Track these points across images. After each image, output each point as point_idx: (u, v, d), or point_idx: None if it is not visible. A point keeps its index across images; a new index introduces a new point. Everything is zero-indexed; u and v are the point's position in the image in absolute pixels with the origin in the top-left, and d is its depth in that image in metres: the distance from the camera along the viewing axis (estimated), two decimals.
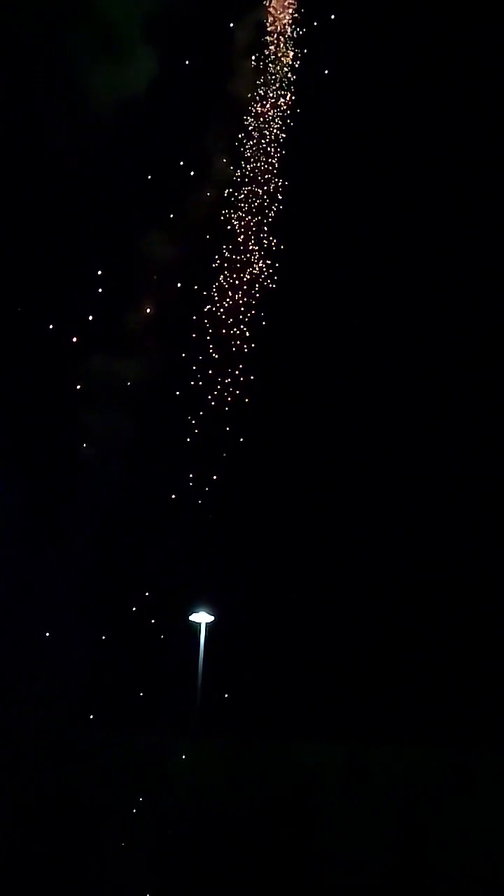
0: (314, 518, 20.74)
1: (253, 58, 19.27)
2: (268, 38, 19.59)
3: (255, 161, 17.92)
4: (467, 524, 20.22)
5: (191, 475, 17.99)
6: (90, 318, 15.92)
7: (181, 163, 17.30)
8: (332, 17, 18.29)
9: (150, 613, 18.58)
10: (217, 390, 16.70)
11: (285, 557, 20.53)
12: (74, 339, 15.75)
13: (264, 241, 17.47)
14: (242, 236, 17.24)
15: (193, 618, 19.31)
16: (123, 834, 16.12)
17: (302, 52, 19.55)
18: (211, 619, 19.38)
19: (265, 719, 18.98)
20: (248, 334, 17.02)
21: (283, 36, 19.72)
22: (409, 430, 20.66)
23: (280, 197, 17.77)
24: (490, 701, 19.07)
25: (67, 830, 15.73)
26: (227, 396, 16.71)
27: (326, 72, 19.07)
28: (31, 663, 16.43)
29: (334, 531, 20.63)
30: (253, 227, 17.40)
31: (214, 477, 18.27)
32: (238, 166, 17.70)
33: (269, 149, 17.88)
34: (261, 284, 17.35)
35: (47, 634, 17.05)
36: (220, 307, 16.82)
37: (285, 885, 16.75)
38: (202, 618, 19.33)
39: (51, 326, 16.03)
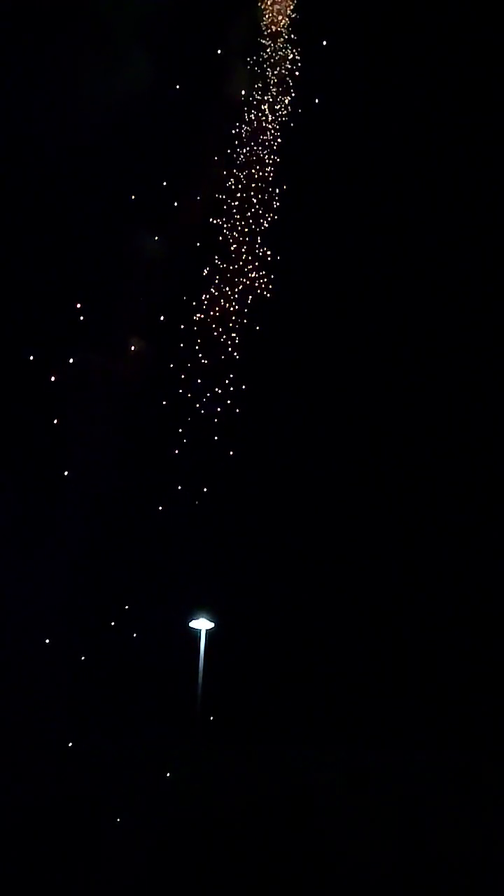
0: (312, 524, 20.72)
1: (249, 60, 18.95)
2: (265, 40, 19.28)
3: (250, 168, 17.61)
4: (466, 528, 20.16)
5: (190, 478, 17.95)
6: (76, 323, 15.72)
7: (173, 168, 17.06)
8: (331, 24, 17.95)
9: (150, 619, 18.65)
10: (207, 398, 16.51)
11: (284, 563, 20.54)
12: (59, 346, 15.53)
13: (258, 251, 17.18)
14: (235, 245, 16.95)
15: (193, 624, 19.39)
16: (124, 839, 16.26)
17: (300, 56, 19.22)
18: (211, 625, 19.44)
19: (266, 725, 19.06)
20: (239, 344, 16.80)
21: (281, 38, 19.40)
22: (405, 440, 20.57)
23: (275, 206, 17.45)
24: (490, 704, 19.07)
25: (67, 836, 15.86)
26: (218, 407, 16.54)
27: (326, 76, 18.75)
28: (29, 671, 16.48)
29: (332, 536, 20.61)
30: (247, 236, 17.10)
31: (214, 481, 18.25)
32: (232, 174, 17.36)
33: (264, 156, 17.55)
34: (254, 294, 17.08)
35: (47, 641, 17.06)
36: (211, 316, 16.59)
37: (286, 888, 16.84)
38: (202, 624, 19.40)
39: (33, 333, 15.83)
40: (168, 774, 16.63)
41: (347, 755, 19.02)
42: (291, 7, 19.69)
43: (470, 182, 20.12)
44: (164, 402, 16.31)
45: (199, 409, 16.38)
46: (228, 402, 16.37)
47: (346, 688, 20.02)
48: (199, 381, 16.29)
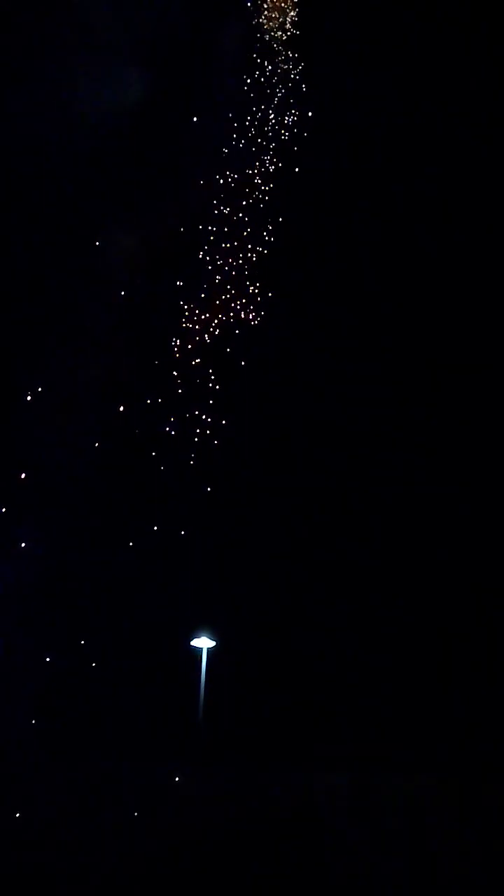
0: (313, 543, 20.63)
1: (245, 77, 18.73)
2: (261, 57, 19.09)
3: (242, 192, 17.27)
4: (466, 550, 19.86)
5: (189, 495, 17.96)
6: (52, 350, 15.61)
7: (160, 189, 16.83)
8: (330, 42, 17.64)
9: (151, 639, 18.79)
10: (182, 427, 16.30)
11: (287, 580, 20.49)
12: (34, 373, 15.39)
13: (246, 284, 16.79)
14: (219, 276, 16.62)
15: (195, 643, 19.44)
16: (122, 859, 16.42)
17: (299, 74, 18.95)
18: (212, 644, 19.46)
19: (268, 746, 19.04)
20: (218, 374, 16.54)
21: (280, 56, 19.19)
22: (389, 465, 20.23)
23: (267, 239, 17.02)
24: (493, 725, 18.83)
25: (67, 857, 16.08)
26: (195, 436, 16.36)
27: (325, 96, 18.44)
28: (29, 691, 16.69)
29: (333, 556, 20.48)
30: (233, 268, 16.74)
31: (214, 496, 18.27)
32: (221, 198, 17.01)
33: (257, 181, 17.21)
34: (238, 323, 16.74)
35: (48, 660, 17.27)
36: (190, 344, 16.31)
37: None
38: (203, 643, 19.44)
39: (6, 356, 15.71)
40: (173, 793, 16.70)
41: (350, 775, 18.93)
42: (289, 24, 19.47)
43: (471, 214, 19.44)
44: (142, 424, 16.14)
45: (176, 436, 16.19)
46: (207, 431, 16.21)
47: (350, 707, 19.93)
48: (171, 417, 16.02)
